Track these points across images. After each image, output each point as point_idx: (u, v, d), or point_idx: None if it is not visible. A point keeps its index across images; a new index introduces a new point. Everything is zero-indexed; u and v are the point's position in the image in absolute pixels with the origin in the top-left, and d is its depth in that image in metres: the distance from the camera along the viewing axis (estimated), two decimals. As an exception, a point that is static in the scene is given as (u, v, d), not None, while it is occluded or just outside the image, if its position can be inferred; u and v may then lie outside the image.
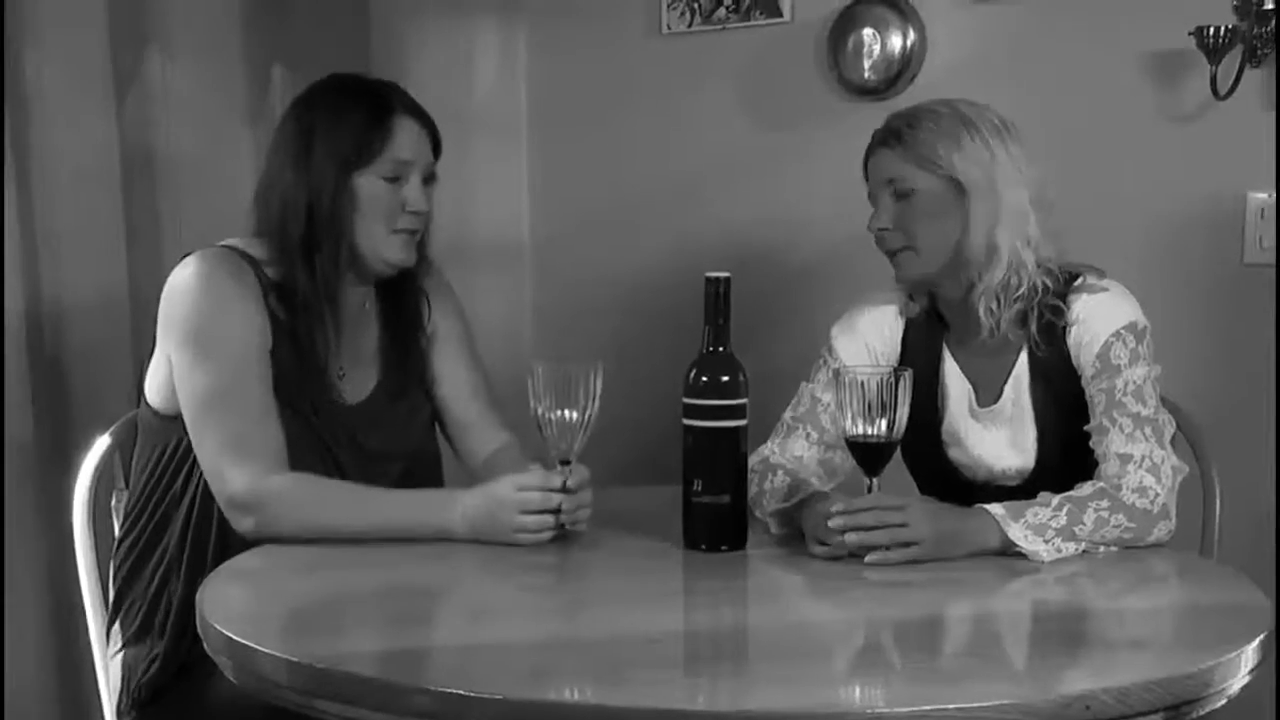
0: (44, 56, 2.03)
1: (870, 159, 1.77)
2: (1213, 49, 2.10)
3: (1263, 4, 2.10)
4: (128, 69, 2.16)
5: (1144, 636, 1.41)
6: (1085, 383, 1.70)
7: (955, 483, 1.79)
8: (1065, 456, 1.72)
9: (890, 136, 1.74)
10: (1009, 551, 1.54)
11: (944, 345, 1.80)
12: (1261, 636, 1.29)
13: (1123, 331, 1.67)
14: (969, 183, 1.70)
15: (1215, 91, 2.13)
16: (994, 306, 1.71)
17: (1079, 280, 1.73)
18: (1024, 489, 1.73)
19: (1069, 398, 1.72)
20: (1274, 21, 2.10)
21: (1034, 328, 1.71)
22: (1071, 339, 1.71)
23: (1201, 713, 1.23)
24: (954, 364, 1.79)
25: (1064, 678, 1.27)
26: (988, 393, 1.77)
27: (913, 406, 1.65)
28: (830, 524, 1.52)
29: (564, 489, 1.58)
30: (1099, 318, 1.69)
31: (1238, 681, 1.26)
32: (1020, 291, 1.71)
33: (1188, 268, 2.11)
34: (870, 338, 1.84)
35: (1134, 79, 2.21)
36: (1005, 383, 1.75)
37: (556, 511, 1.58)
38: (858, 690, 1.20)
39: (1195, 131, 2.20)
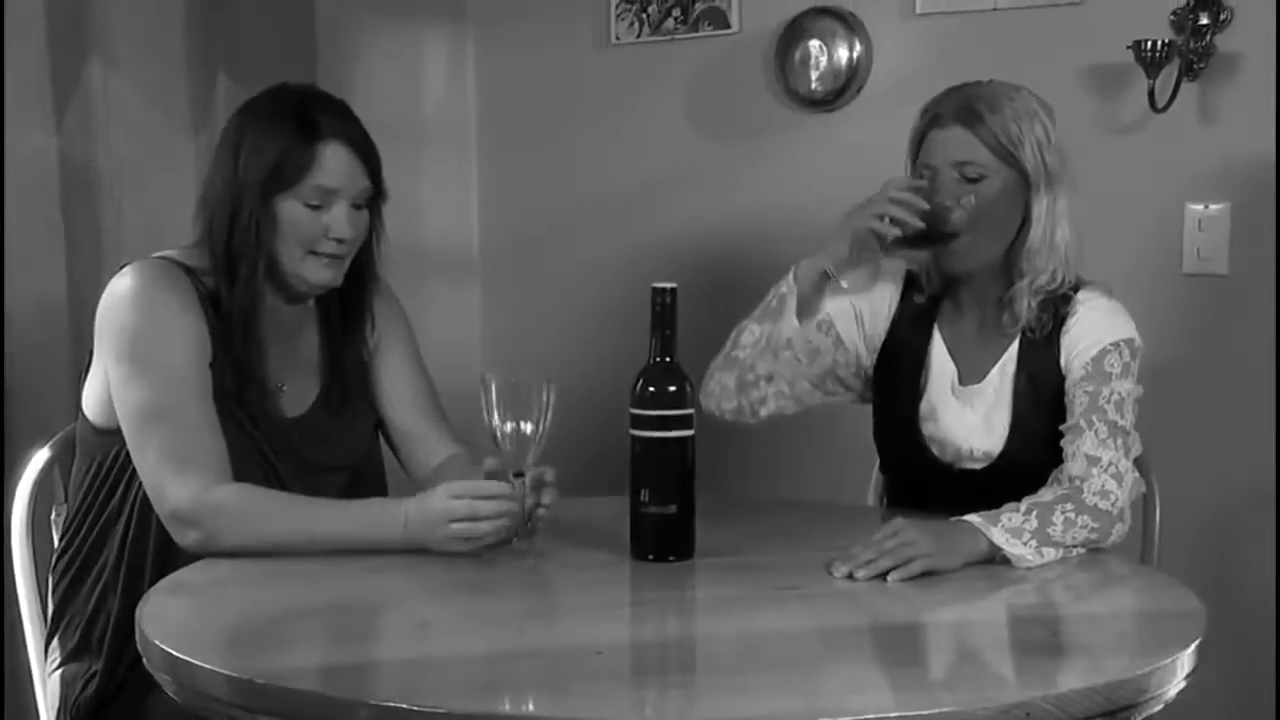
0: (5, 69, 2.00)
1: (936, 133, 1.73)
2: (1150, 62, 2.14)
3: (1198, 18, 2.14)
4: (68, 78, 2.13)
5: (1084, 643, 1.43)
6: (1070, 382, 1.72)
7: (922, 461, 1.81)
8: (1033, 448, 1.74)
9: (968, 115, 1.70)
10: (996, 558, 1.55)
11: (935, 326, 1.83)
12: (1197, 642, 1.32)
13: (1122, 344, 1.71)
14: (1039, 176, 1.71)
15: (1153, 104, 2.16)
16: (1032, 302, 1.74)
17: (1090, 284, 1.76)
18: (987, 474, 1.76)
19: (1049, 391, 1.74)
20: (1209, 35, 2.14)
21: (1040, 314, 1.74)
22: (1068, 335, 1.73)
23: (1139, 718, 1.25)
24: (941, 344, 1.82)
25: (1004, 684, 1.28)
26: (972, 374, 1.79)
27: (895, 382, 1.67)
28: (835, 574, 1.51)
29: (519, 488, 1.57)
30: (1102, 324, 1.72)
31: (1174, 687, 1.27)
32: (1053, 287, 1.74)
33: (1126, 278, 2.13)
34: (859, 301, 1.87)
35: (1073, 91, 2.24)
36: (993, 367, 1.77)
37: (528, 517, 1.57)
38: (801, 700, 1.20)
39: (1134, 143, 2.23)
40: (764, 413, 1.84)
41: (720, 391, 1.83)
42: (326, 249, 1.69)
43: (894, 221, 1.70)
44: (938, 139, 1.73)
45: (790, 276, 1.80)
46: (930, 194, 1.71)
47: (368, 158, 1.70)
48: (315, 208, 1.67)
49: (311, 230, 1.68)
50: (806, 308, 1.79)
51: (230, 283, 1.67)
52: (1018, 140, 1.71)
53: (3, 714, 2.05)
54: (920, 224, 1.69)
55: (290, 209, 1.67)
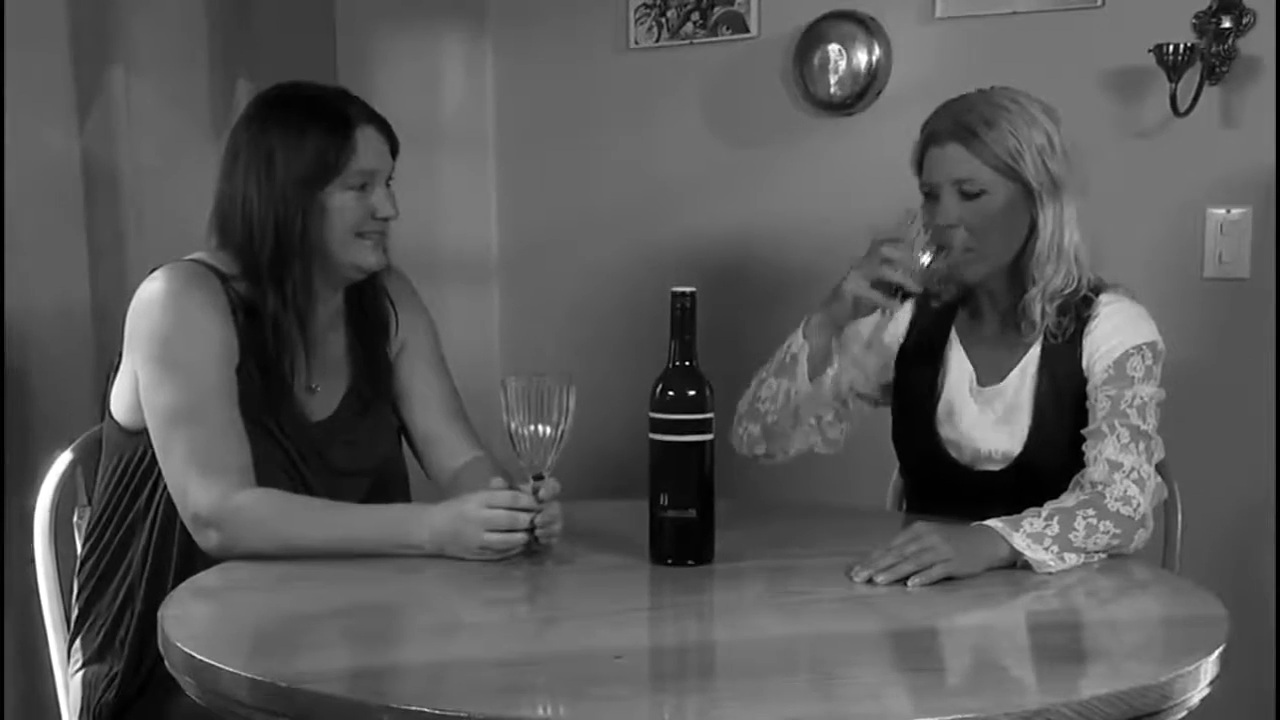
0: (5, 72, 2.01)
1: (934, 151, 1.73)
2: (1172, 66, 2.13)
3: (1221, 22, 2.13)
4: (90, 83, 2.14)
5: (1106, 649, 1.42)
6: (1092, 385, 1.71)
7: (940, 462, 1.81)
8: (1054, 450, 1.74)
9: (964, 132, 1.70)
10: (1017, 563, 1.55)
11: (952, 328, 1.83)
12: (1221, 649, 1.31)
13: (1144, 347, 1.70)
14: (1042, 187, 1.70)
15: (1175, 108, 2.16)
16: (1048, 307, 1.73)
17: (1113, 287, 1.76)
18: (1006, 475, 1.75)
19: (1070, 394, 1.74)
20: (1231, 39, 2.13)
21: (1061, 318, 1.73)
22: (1090, 337, 1.73)
23: (1161, 725, 1.24)
24: (959, 346, 1.82)
25: (1024, 691, 1.28)
26: (991, 375, 1.79)
27: (912, 382, 1.70)
28: (855, 579, 1.51)
29: (538, 502, 1.58)
30: (1125, 327, 1.72)
31: (1197, 693, 1.27)
32: (1069, 290, 1.73)
33: (1147, 282, 2.13)
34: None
35: (1095, 95, 2.24)
36: (1012, 369, 1.77)
37: (529, 530, 1.57)
38: (820, 705, 1.20)
39: (1156, 147, 2.22)
40: (793, 451, 1.86)
41: (749, 439, 1.84)
42: (373, 229, 1.73)
43: (891, 282, 1.68)
44: (936, 158, 1.73)
45: (799, 334, 1.78)
46: (920, 238, 1.69)
47: (390, 136, 1.76)
48: (360, 190, 1.71)
49: (359, 214, 1.72)
50: (819, 364, 1.78)
51: (279, 286, 1.69)
52: (1016, 154, 1.69)
53: (3, 715, 2.07)
54: (916, 287, 1.68)
55: (339, 197, 1.70)
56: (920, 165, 1.76)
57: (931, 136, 1.73)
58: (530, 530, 1.58)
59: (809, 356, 1.77)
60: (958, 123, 1.71)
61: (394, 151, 1.76)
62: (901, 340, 1.86)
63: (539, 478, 1.59)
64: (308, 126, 1.69)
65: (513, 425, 1.57)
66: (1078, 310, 1.74)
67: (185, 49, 2.28)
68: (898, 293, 1.69)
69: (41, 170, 2.07)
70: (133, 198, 2.20)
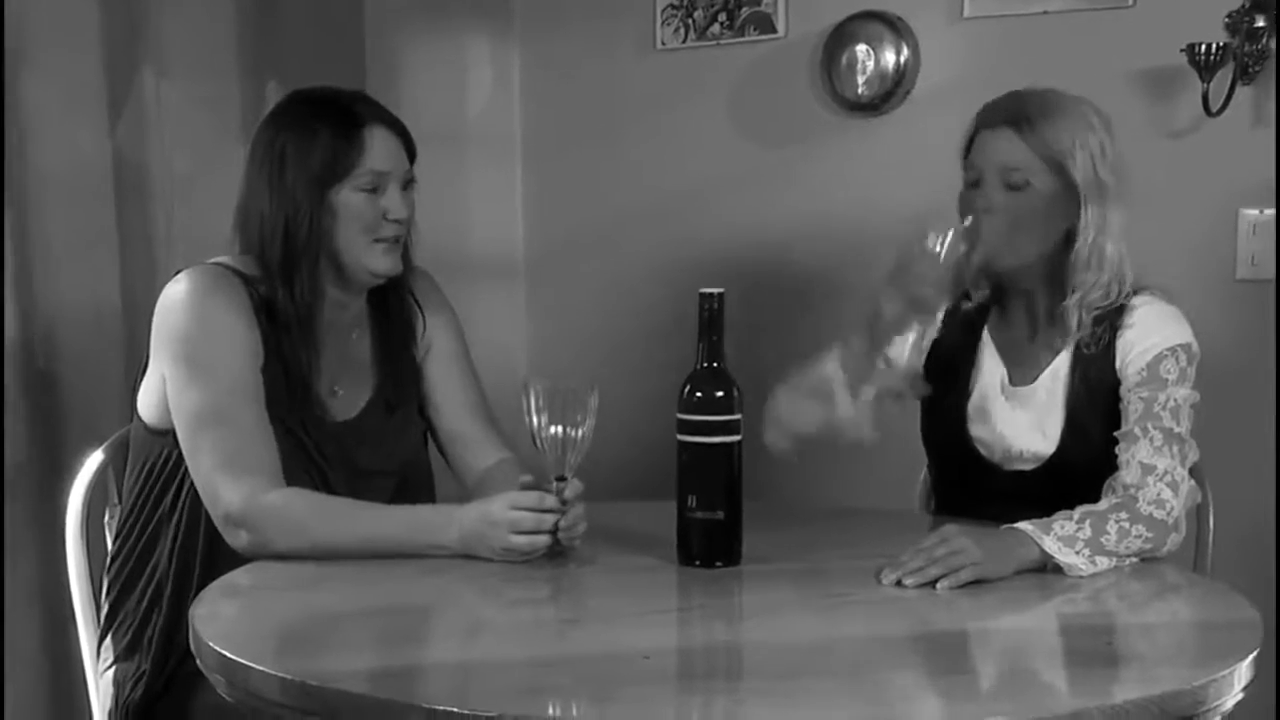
0: (38, 75, 2.03)
1: (985, 134, 1.72)
2: (1205, 66, 2.11)
3: (1254, 21, 2.11)
4: (121, 86, 2.16)
5: (1138, 653, 1.41)
6: (1125, 388, 1.70)
7: (971, 460, 1.80)
8: (1086, 451, 1.73)
9: (1020, 119, 1.70)
10: (1048, 567, 1.54)
11: (985, 328, 1.82)
12: (1255, 653, 1.30)
13: (1179, 349, 1.69)
14: (1088, 189, 1.69)
15: (1207, 108, 2.14)
16: (1085, 316, 1.72)
17: (1146, 290, 1.74)
18: (1037, 476, 1.74)
19: (1103, 396, 1.72)
20: (1265, 38, 2.12)
21: (1096, 328, 1.72)
22: (1123, 340, 1.72)
23: (1195, 730, 1.23)
24: (991, 346, 1.81)
25: (1056, 695, 1.27)
26: (1023, 376, 1.78)
27: (943, 381, 1.69)
28: (884, 581, 1.50)
29: (561, 504, 1.58)
30: (1158, 330, 1.70)
31: (1231, 698, 1.26)
32: (1106, 303, 1.72)
33: (1180, 283, 2.11)
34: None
35: (1126, 95, 2.22)
36: (1044, 369, 1.76)
37: (553, 532, 1.58)
38: (849, 708, 1.20)
39: (1188, 148, 2.21)
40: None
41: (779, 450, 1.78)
42: (386, 232, 1.72)
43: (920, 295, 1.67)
44: (986, 139, 1.73)
45: (835, 361, 1.73)
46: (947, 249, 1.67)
47: (406, 138, 1.75)
48: (370, 192, 1.70)
49: (371, 215, 1.70)
50: (856, 389, 1.73)
51: (289, 285, 1.69)
52: (1069, 150, 1.69)
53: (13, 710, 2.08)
54: (948, 301, 1.69)
55: (347, 198, 1.70)
56: (968, 150, 1.75)
57: (985, 120, 1.73)
58: (554, 532, 1.58)
59: (845, 384, 1.72)
60: (1014, 109, 1.71)
61: (411, 155, 1.75)
62: (933, 336, 1.85)
63: (562, 479, 1.59)
64: (318, 126, 1.69)
65: (537, 427, 1.57)
66: (1112, 320, 1.73)
67: (215, 52, 2.29)
68: (931, 306, 1.69)
69: (73, 172, 2.09)
70: (163, 200, 2.22)
